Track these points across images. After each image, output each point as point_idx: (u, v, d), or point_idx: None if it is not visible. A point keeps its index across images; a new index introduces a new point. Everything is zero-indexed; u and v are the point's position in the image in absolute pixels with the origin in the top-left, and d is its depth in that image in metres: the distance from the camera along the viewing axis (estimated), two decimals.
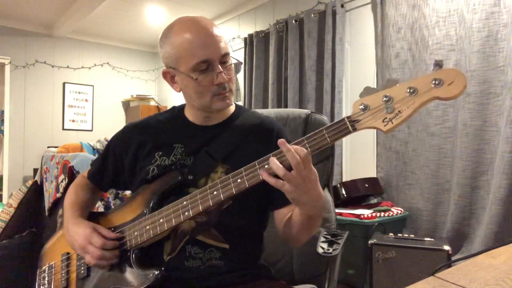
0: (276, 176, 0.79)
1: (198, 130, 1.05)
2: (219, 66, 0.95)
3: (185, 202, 0.90)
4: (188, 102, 1.06)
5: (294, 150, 0.77)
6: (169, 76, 1.03)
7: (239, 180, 0.84)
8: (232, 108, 1.09)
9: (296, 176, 0.78)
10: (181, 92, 1.04)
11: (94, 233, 0.97)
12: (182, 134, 1.05)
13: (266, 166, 0.81)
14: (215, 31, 0.96)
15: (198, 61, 0.93)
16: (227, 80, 0.97)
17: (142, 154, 1.06)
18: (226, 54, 0.97)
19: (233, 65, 1.00)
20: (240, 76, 4.29)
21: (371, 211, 2.46)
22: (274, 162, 0.78)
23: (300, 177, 0.78)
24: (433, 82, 0.71)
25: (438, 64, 0.72)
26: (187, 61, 0.95)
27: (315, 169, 0.82)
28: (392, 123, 0.74)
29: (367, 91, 0.77)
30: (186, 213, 0.89)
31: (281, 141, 0.78)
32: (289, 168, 0.78)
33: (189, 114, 1.08)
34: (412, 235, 2.13)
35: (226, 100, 0.99)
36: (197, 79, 0.94)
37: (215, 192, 0.86)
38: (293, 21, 3.52)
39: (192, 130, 1.05)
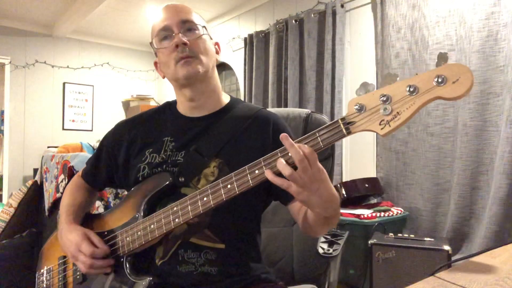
0: (281, 175, 0.74)
1: (187, 122, 1.02)
2: (177, 30, 0.97)
3: (175, 208, 0.88)
4: (171, 81, 1.03)
5: (298, 147, 0.72)
6: (157, 65, 1.06)
7: (229, 186, 0.80)
8: (225, 100, 1.07)
9: (302, 175, 0.72)
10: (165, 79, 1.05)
11: (84, 241, 0.95)
12: (171, 127, 1.03)
13: (268, 166, 0.76)
14: (179, 5, 1.00)
15: (159, 28, 0.98)
16: (184, 41, 0.94)
17: (134, 151, 1.04)
18: (188, 21, 0.98)
19: (198, 31, 0.99)
20: (240, 76, 4.30)
21: (371, 211, 2.46)
22: (280, 162, 0.73)
23: (306, 176, 0.72)
24: (436, 79, 0.64)
25: (443, 57, 0.64)
26: (154, 34, 0.99)
27: (323, 168, 0.76)
28: (390, 126, 0.67)
29: (364, 86, 0.71)
30: (177, 220, 0.87)
31: (283, 135, 0.72)
32: (294, 167, 0.72)
33: (179, 106, 1.06)
34: (412, 235, 2.13)
35: (190, 65, 0.95)
36: (159, 48, 0.98)
37: (205, 199, 0.83)
38: (293, 21, 3.52)
39: (181, 122, 1.03)
